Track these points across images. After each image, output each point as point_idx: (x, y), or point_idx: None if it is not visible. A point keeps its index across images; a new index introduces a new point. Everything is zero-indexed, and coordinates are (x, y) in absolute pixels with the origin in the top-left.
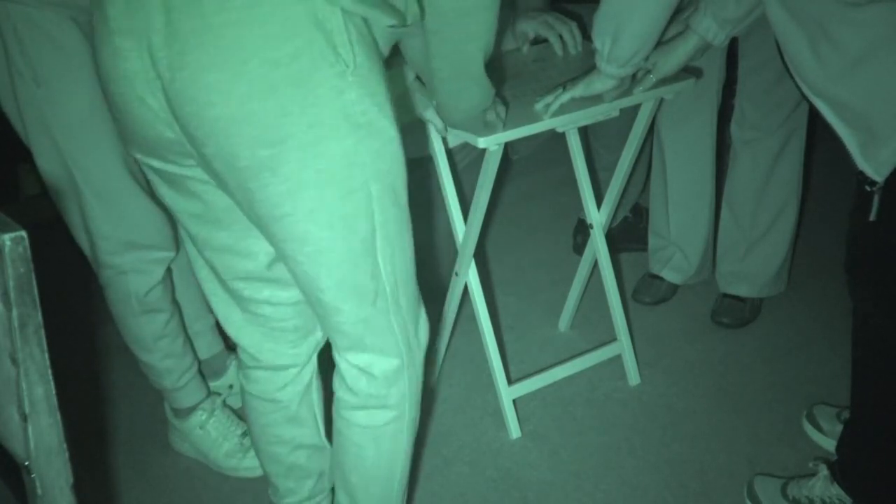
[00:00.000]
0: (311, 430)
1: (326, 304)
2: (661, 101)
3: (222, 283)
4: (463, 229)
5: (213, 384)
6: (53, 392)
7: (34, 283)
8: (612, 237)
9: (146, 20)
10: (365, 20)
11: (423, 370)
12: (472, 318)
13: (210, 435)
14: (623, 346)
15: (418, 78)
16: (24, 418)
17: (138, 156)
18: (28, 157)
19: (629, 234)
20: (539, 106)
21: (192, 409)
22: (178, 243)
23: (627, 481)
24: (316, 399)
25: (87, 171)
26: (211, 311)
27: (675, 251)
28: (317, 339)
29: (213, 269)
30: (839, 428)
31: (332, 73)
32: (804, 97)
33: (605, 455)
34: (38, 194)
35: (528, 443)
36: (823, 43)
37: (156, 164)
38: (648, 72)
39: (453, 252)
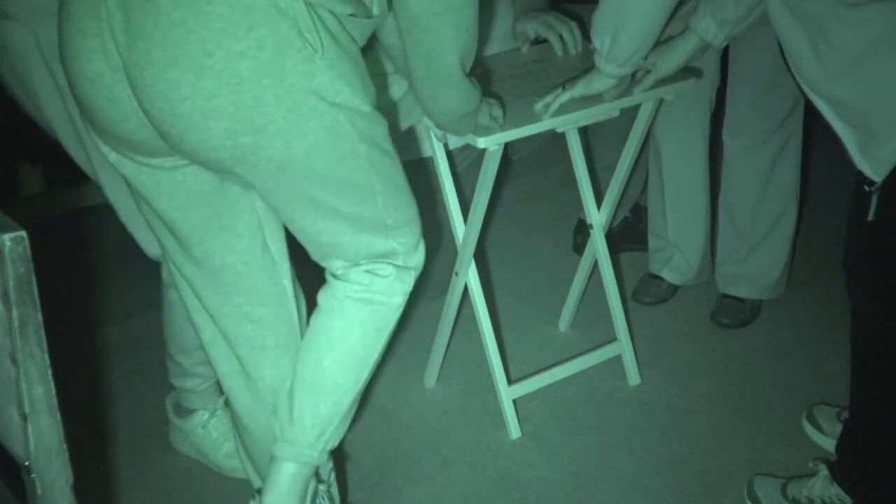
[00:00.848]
0: None
1: (322, 246)
2: (661, 101)
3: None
4: (463, 229)
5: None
6: (53, 392)
7: (34, 283)
8: (612, 237)
9: (108, 21)
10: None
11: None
12: (472, 318)
13: (211, 435)
14: (623, 346)
15: None
16: (24, 418)
17: (106, 151)
18: (30, 158)
19: (629, 234)
20: (539, 106)
21: (194, 409)
22: None
23: (627, 481)
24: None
25: None
26: None
27: (674, 252)
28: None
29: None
30: (839, 428)
31: (300, 58)
32: (804, 95)
33: (605, 455)
34: (38, 194)
35: (528, 443)
36: (823, 42)
37: (128, 165)
38: (648, 71)
39: (453, 252)
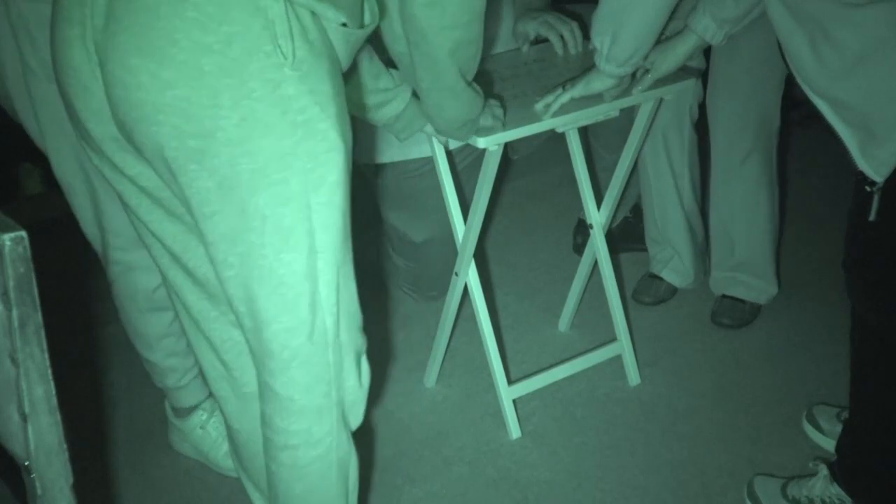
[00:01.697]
0: None
1: (257, 313)
2: (661, 101)
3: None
4: (463, 229)
5: None
6: (53, 392)
7: (34, 283)
8: (612, 237)
9: (91, 5)
10: (314, 16)
11: (363, 411)
12: (472, 318)
13: (210, 435)
14: (623, 346)
15: (416, 96)
16: (24, 418)
17: (90, 154)
18: (29, 158)
19: (629, 234)
20: (539, 106)
21: (192, 409)
22: None
23: (627, 481)
24: None
25: None
26: None
27: (673, 254)
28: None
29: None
30: (839, 428)
31: (268, 63)
32: (799, 101)
33: (605, 455)
34: (38, 194)
35: (528, 443)
36: (824, 43)
37: (108, 171)
38: (647, 71)
39: (453, 252)
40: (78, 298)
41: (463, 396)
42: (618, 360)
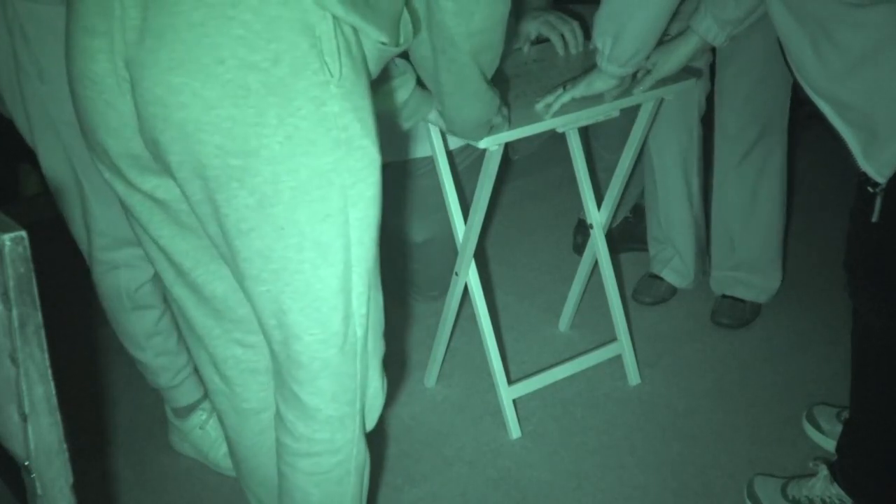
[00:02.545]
0: None
1: (288, 327)
2: (662, 101)
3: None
4: (463, 229)
5: None
6: (53, 392)
7: (34, 283)
8: (612, 237)
9: (121, 18)
10: (355, 32)
11: (379, 415)
12: (472, 318)
13: (210, 435)
14: (623, 346)
15: (420, 83)
16: (24, 418)
17: (102, 168)
18: (29, 158)
19: (629, 234)
20: (540, 106)
21: (191, 409)
22: None
23: (627, 481)
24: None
25: (88, 167)
26: None
27: (674, 253)
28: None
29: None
30: (839, 428)
31: (314, 81)
32: (800, 100)
33: (605, 455)
34: (38, 194)
35: (528, 443)
36: (825, 43)
37: (120, 186)
38: (648, 72)
39: (453, 252)
40: (78, 298)
41: (463, 396)
42: (618, 360)
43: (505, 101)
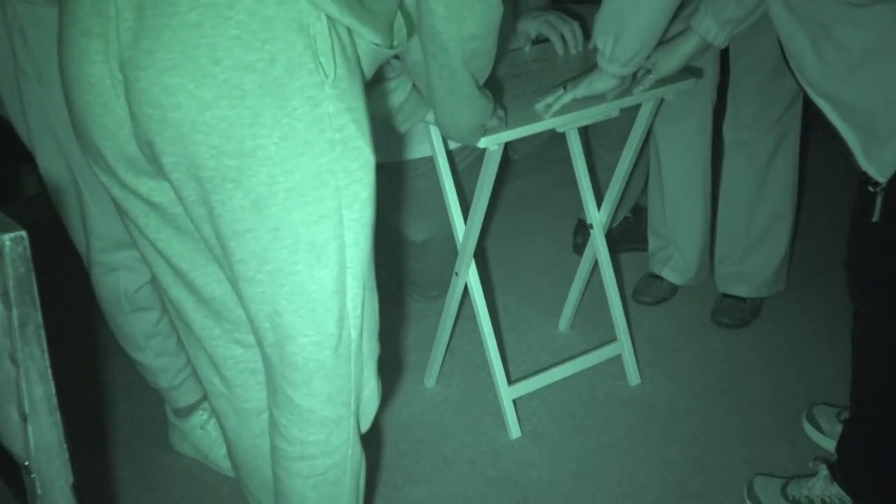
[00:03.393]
0: None
1: (282, 328)
2: (662, 101)
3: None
4: (463, 229)
5: None
6: (53, 392)
7: (34, 283)
8: (612, 237)
9: (116, 19)
10: (350, 33)
11: (374, 416)
12: (472, 318)
13: (210, 435)
14: (623, 346)
15: (415, 87)
16: (24, 418)
17: (98, 171)
18: (29, 158)
19: (629, 234)
20: (540, 106)
21: (192, 409)
22: None
23: (627, 481)
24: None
25: (86, 169)
26: None
27: (674, 251)
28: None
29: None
30: (839, 428)
31: (310, 82)
32: (805, 97)
33: (605, 455)
34: (38, 194)
35: (528, 443)
36: (826, 43)
37: (115, 189)
38: (648, 71)
39: (453, 252)
40: (78, 298)
41: (463, 396)
42: (618, 360)
43: (500, 102)
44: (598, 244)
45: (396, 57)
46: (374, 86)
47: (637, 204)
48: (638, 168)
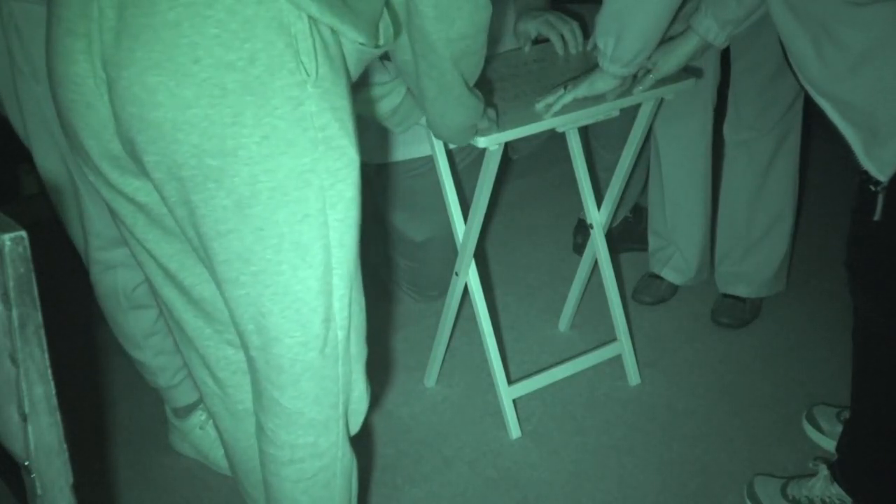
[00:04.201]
0: None
1: (267, 330)
2: (662, 101)
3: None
4: (463, 229)
5: None
6: (53, 392)
7: (34, 283)
8: (612, 237)
9: (99, 19)
10: (334, 33)
11: (363, 418)
12: (472, 318)
13: (210, 435)
14: (623, 346)
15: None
16: (24, 418)
17: (86, 170)
18: (28, 158)
19: (629, 234)
20: (540, 106)
21: (191, 409)
22: None
23: (627, 481)
24: None
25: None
26: None
27: (674, 251)
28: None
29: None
30: (839, 428)
31: (291, 81)
32: (806, 96)
33: (605, 455)
34: (37, 194)
35: (528, 443)
36: (827, 42)
37: (103, 189)
38: (649, 71)
39: (453, 252)
40: (78, 298)
41: (463, 396)
42: (618, 360)
43: (492, 102)
44: (598, 244)
45: (389, 59)
46: (368, 89)
47: (637, 204)
48: (638, 168)
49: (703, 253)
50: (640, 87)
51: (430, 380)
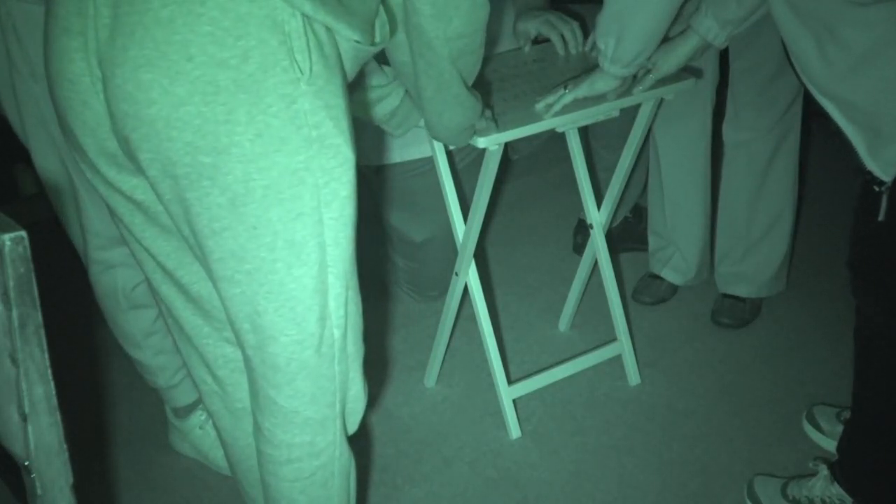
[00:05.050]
0: None
1: (263, 329)
2: (662, 101)
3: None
4: (463, 229)
5: None
6: (53, 392)
7: (34, 283)
8: (612, 237)
9: (94, 17)
10: (329, 31)
11: (360, 418)
12: (472, 318)
13: (209, 435)
14: (623, 346)
15: (408, 92)
16: (24, 418)
17: (84, 168)
18: (24, 157)
19: (629, 234)
20: (540, 106)
21: (191, 409)
22: None
23: (627, 481)
24: None
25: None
26: None
27: (674, 251)
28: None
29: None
30: (839, 428)
31: (284, 79)
32: (806, 96)
33: (605, 455)
34: (37, 194)
35: (528, 443)
36: (830, 42)
37: (101, 186)
38: (648, 71)
39: (453, 252)
40: (78, 298)
41: (463, 396)
42: (618, 360)
43: (489, 103)
44: (598, 244)
45: (388, 64)
46: (366, 92)
47: (637, 204)
48: (638, 168)
49: (702, 253)
50: (640, 87)
51: (430, 380)
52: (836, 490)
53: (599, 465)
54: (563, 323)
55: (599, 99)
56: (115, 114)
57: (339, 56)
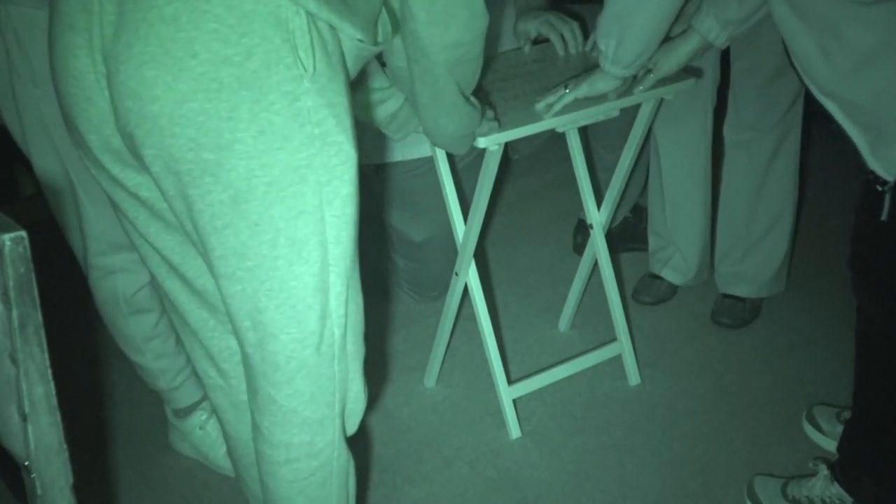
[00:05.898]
0: None
1: (264, 326)
2: (662, 101)
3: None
4: (463, 229)
5: None
6: (53, 392)
7: (34, 283)
8: (612, 237)
9: (99, 13)
10: (333, 30)
11: (360, 419)
12: (472, 318)
13: (210, 435)
14: (623, 346)
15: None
16: (24, 418)
17: (88, 164)
18: (24, 158)
19: (629, 234)
20: (541, 106)
21: (191, 409)
22: None
23: (627, 481)
24: None
25: (81, 171)
26: None
27: (674, 251)
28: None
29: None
30: (839, 428)
31: (287, 76)
32: (806, 96)
33: (605, 455)
34: (36, 194)
35: (528, 443)
36: (831, 42)
37: (105, 183)
38: (649, 71)
39: (453, 252)
40: (78, 298)
41: (463, 396)
42: (618, 360)
43: (490, 103)
44: (598, 244)
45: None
46: (367, 94)
47: (637, 204)
48: (638, 168)
49: (702, 253)
50: (641, 87)
51: (430, 380)
52: (836, 490)
53: (599, 465)
54: (563, 323)
55: (600, 99)
56: (119, 110)
57: (341, 54)
